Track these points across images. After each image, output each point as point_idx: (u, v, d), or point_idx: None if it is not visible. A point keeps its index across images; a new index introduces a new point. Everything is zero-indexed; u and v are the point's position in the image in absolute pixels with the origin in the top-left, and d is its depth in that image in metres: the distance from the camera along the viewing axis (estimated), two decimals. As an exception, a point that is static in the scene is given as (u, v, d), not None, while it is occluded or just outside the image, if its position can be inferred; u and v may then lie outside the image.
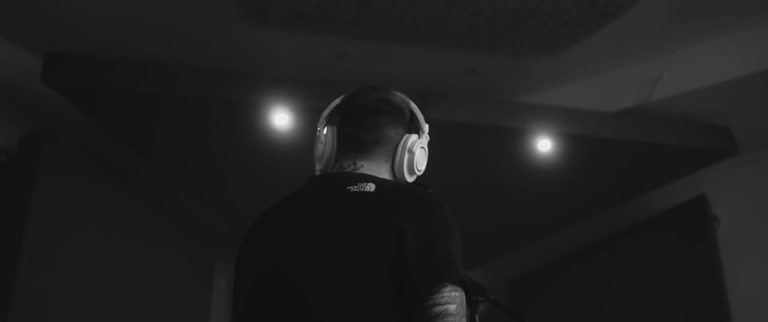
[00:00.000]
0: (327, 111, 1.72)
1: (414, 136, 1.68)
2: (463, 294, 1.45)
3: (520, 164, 4.54)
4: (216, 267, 5.79)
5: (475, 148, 4.54)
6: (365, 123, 1.65)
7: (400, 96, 1.71)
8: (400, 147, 1.65)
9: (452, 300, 1.41)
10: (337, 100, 1.73)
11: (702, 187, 4.90)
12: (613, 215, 5.36)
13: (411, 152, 1.65)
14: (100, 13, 3.96)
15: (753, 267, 4.74)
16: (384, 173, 1.64)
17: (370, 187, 1.53)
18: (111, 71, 4.05)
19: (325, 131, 1.69)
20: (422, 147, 1.69)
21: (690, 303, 4.71)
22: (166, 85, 4.11)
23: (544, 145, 4.38)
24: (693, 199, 4.88)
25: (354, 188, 1.53)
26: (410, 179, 1.67)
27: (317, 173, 1.69)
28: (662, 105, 4.49)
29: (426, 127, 1.71)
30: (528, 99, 4.65)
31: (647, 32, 4.20)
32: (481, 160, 4.65)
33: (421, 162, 1.68)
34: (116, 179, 4.86)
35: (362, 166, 1.63)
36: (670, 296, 4.84)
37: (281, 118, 4.11)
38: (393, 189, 1.55)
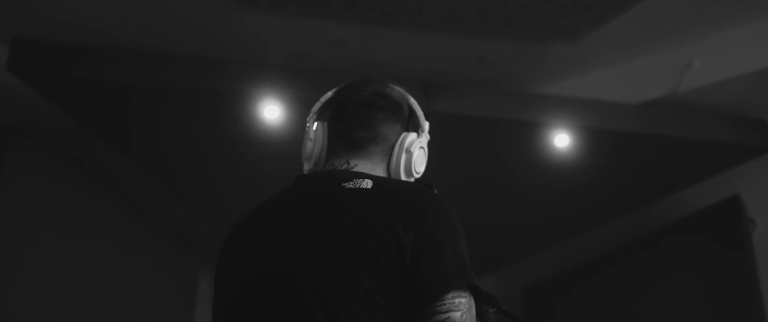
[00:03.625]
0: (317, 105, 1.73)
1: (412, 135, 1.68)
2: (472, 300, 1.45)
3: (535, 161, 4.55)
4: (200, 274, 5.80)
5: (485, 143, 4.54)
6: (359, 119, 1.65)
7: (398, 90, 1.71)
8: (397, 146, 1.65)
9: (456, 307, 1.42)
10: (329, 93, 1.74)
11: (736, 186, 4.89)
12: (638, 217, 5.36)
13: (409, 152, 1.65)
14: (73, -5, 3.96)
15: (792, 275, 4.74)
16: (379, 174, 1.64)
17: (367, 183, 1.53)
18: (84, 60, 4.06)
19: (314, 127, 1.69)
20: (421, 147, 1.69)
21: (722, 315, 4.71)
22: (145, 74, 4.12)
23: (561, 140, 4.39)
24: (726, 199, 4.88)
25: (349, 185, 1.53)
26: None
27: (306, 173, 1.69)
28: (692, 96, 4.49)
29: (426, 126, 1.72)
30: (543, 89, 4.65)
31: (676, 15, 4.19)
32: (492, 156, 4.65)
33: (419, 163, 1.68)
34: (91, 179, 4.86)
35: (356, 165, 1.63)
36: (700, 307, 4.84)
37: (272, 111, 4.12)
38: (391, 187, 1.56)
